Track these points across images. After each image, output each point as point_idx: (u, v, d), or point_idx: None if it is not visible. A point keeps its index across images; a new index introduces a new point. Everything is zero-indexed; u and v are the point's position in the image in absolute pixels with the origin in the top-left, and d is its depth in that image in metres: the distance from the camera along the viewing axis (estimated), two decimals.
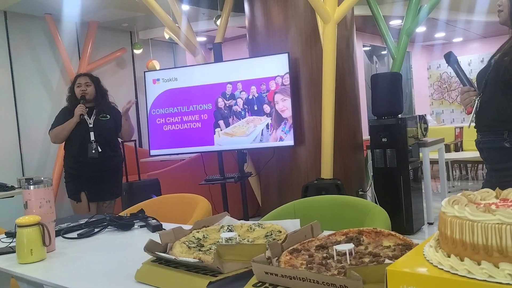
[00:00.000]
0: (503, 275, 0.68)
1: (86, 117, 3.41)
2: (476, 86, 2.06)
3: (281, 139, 4.25)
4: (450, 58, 2.03)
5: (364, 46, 9.06)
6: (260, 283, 0.99)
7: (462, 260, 0.73)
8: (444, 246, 0.78)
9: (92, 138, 3.39)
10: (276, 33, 4.61)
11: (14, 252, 1.55)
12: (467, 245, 0.73)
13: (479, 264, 0.71)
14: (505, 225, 0.69)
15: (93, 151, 3.37)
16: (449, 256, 0.75)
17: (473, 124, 2.07)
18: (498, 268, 0.69)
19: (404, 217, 4.19)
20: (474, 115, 2.00)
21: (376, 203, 1.89)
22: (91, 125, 3.42)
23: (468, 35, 10.14)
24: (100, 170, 3.47)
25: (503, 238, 0.69)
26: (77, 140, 3.41)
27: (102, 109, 3.54)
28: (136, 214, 2.04)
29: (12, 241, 1.67)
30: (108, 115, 3.55)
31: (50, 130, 3.47)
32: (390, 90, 4.28)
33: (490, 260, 0.70)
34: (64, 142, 3.52)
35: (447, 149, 6.69)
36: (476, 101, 1.98)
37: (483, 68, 2.08)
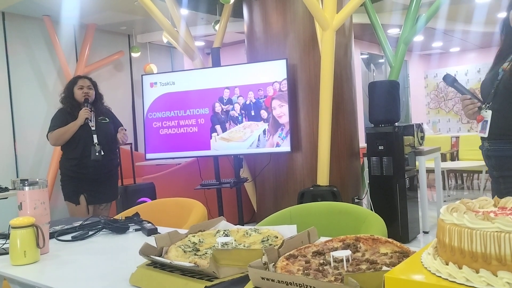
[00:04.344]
0: (501, 283, 0.68)
1: (88, 120, 3.41)
2: (480, 96, 2.11)
3: (277, 145, 4.24)
4: (447, 80, 2.13)
5: (362, 54, 9.10)
6: None
7: (460, 268, 0.72)
8: (442, 254, 0.78)
9: (95, 141, 3.39)
10: (275, 39, 4.63)
11: (7, 253, 1.54)
12: (465, 253, 0.72)
13: (477, 272, 0.70)
14: (504, 233, 0.69)
15: (97, 154, 3.37)
16: (447, 264, 0.75)
17: (478, 134, 2.12)
18: (497, 276, 0.69)
19: (400, 225, 4.19)
20: (486, 123, 2.04)
21: (372, 211, 1.89)
22: (93, 128, 3.42)
23: (465, 45, 10.20)
24: (100, 172, 3.47)
25: (501, 246, 0.69)
26: (79, 143, 3.40)
27: (101, 112, 3.55)
28: (131, 218, 2.03)
29: (5, 243, 1.65)
30: (107, 118, 3.57)
31: (49, 132, 3.44)
32: (388, 98, 4.29)
33: (489, 268, 0.69)
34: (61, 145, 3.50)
35: (443, 158, 6.71)
36: (485, 110, 2.02)
37: (488, 78, 2.13)
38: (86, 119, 3.40)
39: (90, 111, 3.44)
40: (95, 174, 3.45)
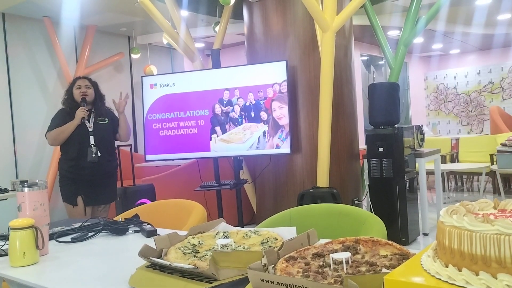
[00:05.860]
0: (501, 286, 0.68)
1: (85, 120, 3.39)
2: None
3: (277, 147, 4.24)
4: None
5: (361, 55, 9.10)
6: None
7: (460, 270, 0.72)
8: (442, 256, 0.78)
9: (92, 142, 3.37)
10: (275, 40, 4.63)
11: (6, 255, 1.54)
12: (465, 255, 0.72)
13: (477, 274, 0.70)
14: (503, 236, 0.69)
15: (93, 155, 3.34)
16: (447, 266, 0.75)
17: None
18: (496, 279, 0.68)
19: (400, 227, 4.19)
20: None
21: (372, 213, 1.88)
22: (90, 129, 3.40)
23: (465, 47, 10.21)
24: (97, 174, 3.44)
25: (501, 249, 0.68)
26: (76, 144, 3.38)
27: (100, 113, 3.52)
28: (131, 219, 2.03)
29: (4, 244, 1.65)
30: (106, 119, 3.54)
31: (47, 132, 3.44)
32: (387, 100, 4.29)
33: (488, 271, 0.69)
34: (60, 145, 3.49)
35: (443, 160, 6.71)
36: None
37: None
38: (83, 119, 3.37)
39: (87, 111, 3.42)
40: (92, 176, 3.43)
